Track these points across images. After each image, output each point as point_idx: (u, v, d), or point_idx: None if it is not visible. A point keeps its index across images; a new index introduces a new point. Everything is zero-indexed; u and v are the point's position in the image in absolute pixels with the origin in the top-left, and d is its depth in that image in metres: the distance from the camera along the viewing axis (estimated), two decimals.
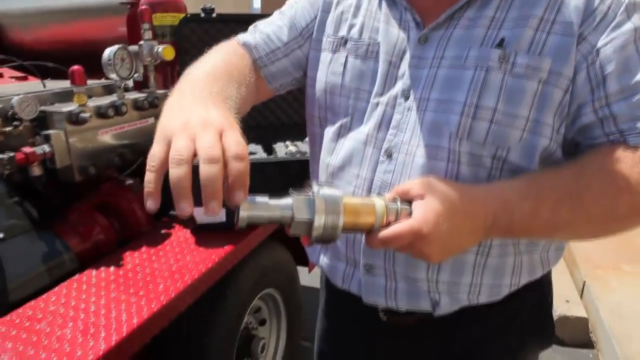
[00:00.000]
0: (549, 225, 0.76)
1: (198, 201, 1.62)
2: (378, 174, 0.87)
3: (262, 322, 2.14)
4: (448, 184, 0.75)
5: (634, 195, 0.73)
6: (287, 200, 0.69)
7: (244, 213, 0.67)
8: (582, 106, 0.78)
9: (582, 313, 2.90)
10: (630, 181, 0.73)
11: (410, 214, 0.72)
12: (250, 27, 1.04)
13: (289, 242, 2.09)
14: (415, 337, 0.98)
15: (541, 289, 0.99)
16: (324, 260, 1.03)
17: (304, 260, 2.39)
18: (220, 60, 0.91)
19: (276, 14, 1.06)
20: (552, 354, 2.80)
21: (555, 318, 2.84)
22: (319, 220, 0.68)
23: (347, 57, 0.93)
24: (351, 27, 0.95)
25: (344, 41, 0.94)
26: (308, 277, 2.75)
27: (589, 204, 0.74)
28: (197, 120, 0.62)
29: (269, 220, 0.69)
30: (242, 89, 0.85)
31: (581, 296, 3.11)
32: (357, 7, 0.95)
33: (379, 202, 0.73)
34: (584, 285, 3.11)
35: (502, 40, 0.79)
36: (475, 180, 0.82)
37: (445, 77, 0.82)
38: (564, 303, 2.98)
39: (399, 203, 0.73)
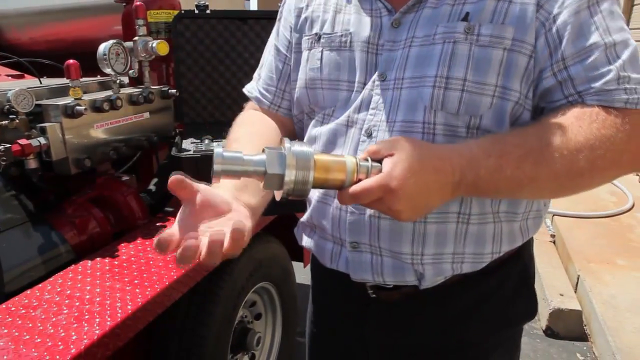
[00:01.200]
0: (514, 181, 0.78)
1: None
2: (360, 154, 0.89)
3: (258, 317, 2.16)
4: (417, 143, 0.78)
5: (592, 151, 0.76)
6: (260, 156, 0.72)
7: (218, 167, 0.69)
8: (543, 71, 0.82)
9: (576, 306, 2.93)
10: (588, 137, 0.76)
11: (380, 171, 0.74)
12: (254, 76, 1.15)
13: (284, 236, 2.11)
14: (405, 311, 1.00)
15: (523, 261, 1.03)
16: (311, 241, 1.06)
17: (299, 255, 2.41)
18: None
19: (265, 50, 1.14)
20: (547, 347, 2.82)
21: (550, 311, 2.88)
22: (290, 175, 0.70)
23: (322, 51, 0.98)
24: (323, 23, 0.99)
25: (318, 37, 0.99)
26: (303, 275, 2.76)
27: (551, 160, 0.77)
28: None
29: (243, 174, 0.71)
30: None
31: (575, 290, 3.13)
32: (326, 3, 1.00)
33: (349, 160, 0.75)
34: (578, 279, 3.13)
35: (467, 14, 0.83)
36: None
37: (416, 55, 0.87)
38: (559, 297, 3.00)
39: (369, 161, 0.75)
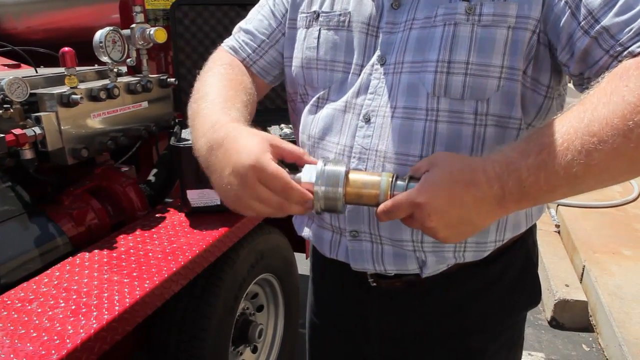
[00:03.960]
0: (566, 174, 0.66)
1: (194, 184, 1.66)
2: (357, 139, 0.87)
3: (260, 309, 2.14)
4: (453, 157, 0.74)
5: None
6: (298, 174, 0.77)
7: None
8: (572, 34, 0.74)
9: (581, 297, 2.90)
10: None
11: None
12: (234, 30, 1.08)
13: (286, 227, 2.08)
14: (405, 298, 0.98)
15: (526, 248, 1.00)
16: (310, 230, 1.03)
17: (301, 247, 2.38)
18: (222, 83, 0.95)
19: (254, 9, 1.08)
20: (552, 338, 2.80)
21: (555, 301, 2.85)
22: (319, 192, 0.75)
23: (320, 30, 0.94)
24: (323, 0, 0.96)
25: (317, 15, 0.95)
26: (305, 266, 2.72)
27: (601, 136, 0.63)
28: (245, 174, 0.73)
29: None
30: (247, 97, 0.93)
31: (581, 280, 3.10)
32: None
33: (385, 177, 0.75)
34: (583, 269, 3.10)
35: None
36: (457, 137, 0.81)
37: (417, 39, 0.83)
38: (564, 287, 2.97)
39: (407, 180, 0.75)
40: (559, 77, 0.84)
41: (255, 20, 1.05)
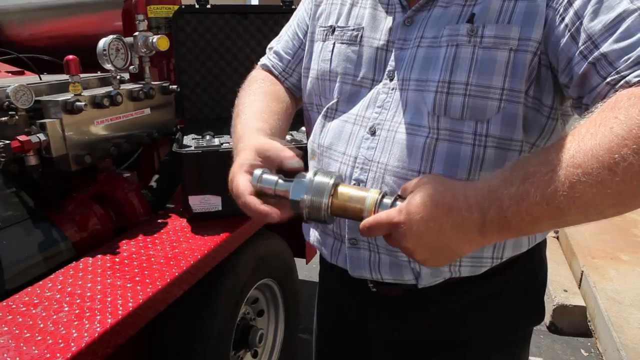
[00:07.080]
0: (549, 205, 0.63)
1: (196, 190, 1.71)
2: (362, 151, 0.90)
3: (260, 313, 2.15)
4: (439, 180, 0.73)
5: (639, 140, 0.59)
6: (289, 182, 0.80)
7: (256, 184, 0.81)
8: (571, 59, 0.73)
9: (580, 302, 2.91)
10: (630, 126, 0.59)
11: None
12: (267, 50, 1.19)
13: (287, 232, 2.10)
14: (405, 306, 0.99)
15: (530, 265, 0.99)
16: (315, 236, 1.06)
17: (301, 252, 2.40)
18: (256, 97, 1.06)
19: (284, 28, 1.17)
20: (551, 343, 2.81)
21: (553, 307, 2.86)
22: (305, 200, 0.77)
23: (334, 44, 0.97)
24: (339, 15, 0.99)
25: (332, 29, 0.99)
26: (306, 271, 2.74)
27: (586, 168, 0.61)
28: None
29: (275, 195, 0.81)
30: (278, 105, 1.05)
31: (579, 286, 3.11)
32: None
33: (371, 194, 0.77)
34: (582, 274, 3.11)
35: (473, 15, 0.80)
36: (456, 156, 0.82)
37: (423, 57, 0.85)
38: (562, 292, 2.99)
39: (393, 199, 0.76)
40: (563, 97, 0.83)
41: (282, 41, 1.14)
